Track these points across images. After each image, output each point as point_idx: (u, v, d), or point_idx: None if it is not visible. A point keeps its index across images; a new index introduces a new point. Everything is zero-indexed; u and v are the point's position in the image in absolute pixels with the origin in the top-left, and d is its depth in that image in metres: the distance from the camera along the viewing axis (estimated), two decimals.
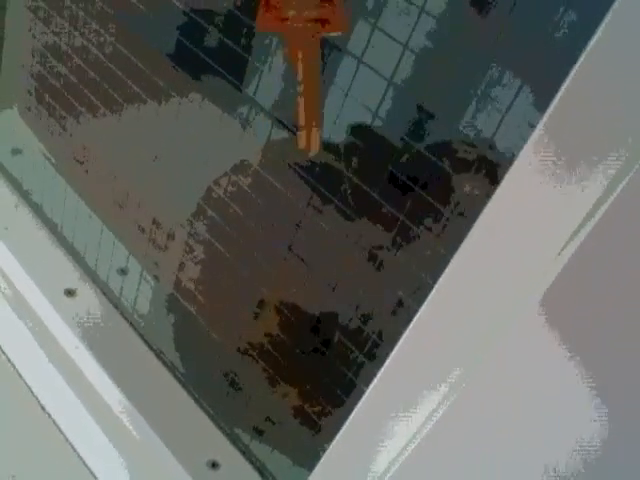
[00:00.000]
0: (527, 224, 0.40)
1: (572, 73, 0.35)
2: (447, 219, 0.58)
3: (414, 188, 0.58)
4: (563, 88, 0.36)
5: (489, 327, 0.44)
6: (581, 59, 0.35)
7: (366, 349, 0.69)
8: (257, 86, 0.74)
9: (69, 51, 0.99)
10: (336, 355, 0.71)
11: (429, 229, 0.59)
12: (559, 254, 0.39)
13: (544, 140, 0.37)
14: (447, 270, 0.46)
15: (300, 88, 0.58)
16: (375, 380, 0.55)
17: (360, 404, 0.56)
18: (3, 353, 0.96)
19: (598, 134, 0.36)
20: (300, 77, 0.57)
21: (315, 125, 0.59)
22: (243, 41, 0.74)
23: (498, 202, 0.41)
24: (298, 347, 0.76)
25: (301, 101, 0.58)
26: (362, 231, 0.66)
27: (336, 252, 0.70)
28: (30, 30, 1.07)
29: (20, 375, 0.95)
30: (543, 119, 0.37)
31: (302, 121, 0.59)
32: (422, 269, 0.60)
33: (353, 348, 0.69)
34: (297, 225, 0.73)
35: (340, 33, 0.55)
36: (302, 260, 0.74)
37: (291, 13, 0.54)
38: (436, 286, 0.47)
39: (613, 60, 0.34)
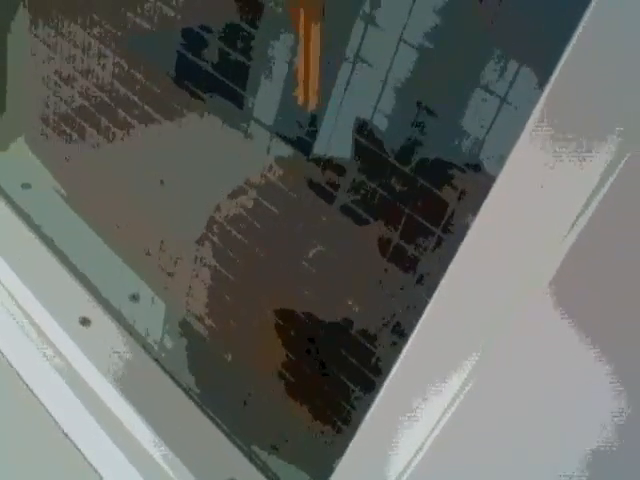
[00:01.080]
0: (532, 207, 0.40)
1: (569, 48, 0.36)
2: (443, 234, 0.60)
3: (409, 203, 0.60)
4: (560, 65, 0.36)
5: (498, 319, 0.45)
6: (580, 27, 0.35)
7: (376, 364, 0.70)
8: (259, 105, 0.76)
9: (73, 80, 1.01)
10: (348, 371, 0.73)
11: (424, 247, 0.61)
12: (566, 235, 0.39)
13: (543, 121, 0.38)
14: (452, 263, 0.46)
15: (301, 44, 0.58)
16: (384, 386, 0.56)
17: (370, 412, 0.58)
18: (26, 386, 0.99)
19: (597, 114, 0.36)
20: (301, 35, 0.57)
21: (313, 80, 0.60)
22: (243, 58, 0.75)
23: (501, 188, 0.42)
24: (309, 364, 0.78)
25: (301, 57, 0.59)
26: (366, 245, 0.68)
27: (343, 268, 0.72)
28: (33, 59, 1.09)
29: (43, 405, 0.97)
30: (540, 101, 0.37)
31: (300, 76, 0.60)
32: (423, 286, 0.62)
33: (365, 364, 0.71)
34: (304, 243, 0.75)
35: None
36: (310, 277, 0.75)
37: None
38: (443, 279, 0.47)
39: (615, 29, 0.34)
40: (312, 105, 0.60)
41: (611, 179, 0.36)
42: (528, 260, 0.42)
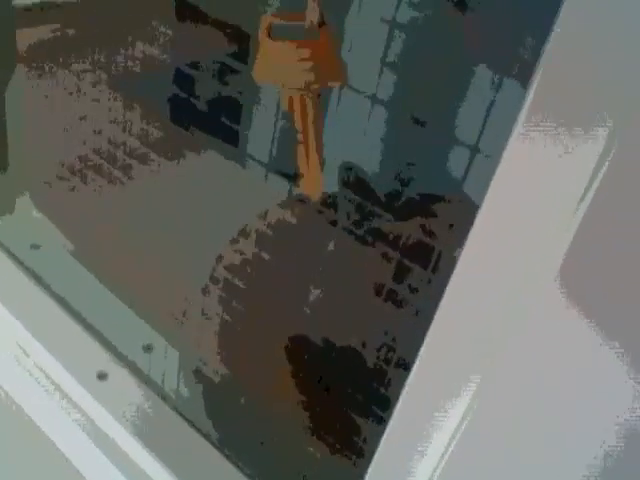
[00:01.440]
0: (534, 192, 0.40)
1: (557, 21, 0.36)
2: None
3: (399, 247, 0.63)
4: (551, 39, 0.36)
5: (511, 314, 0.45)
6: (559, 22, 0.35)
7: (383, 398, 0.72)
8: (253, 143, 0.78)
9: (73, 133, 1.04)
10: (358, 406, 0.75)
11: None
12: (573, 216, 0.39)
13: (538, 104, 0.38)
14: (462, 256, 0.46)
15: (299, 137, 0.58)
16: (391, 420, 0.58)
17: (380, 446, 0.59)
18: (51, 442, 1.01)
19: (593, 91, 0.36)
20: (298, 126, 0.57)
21: (316, 171, 0.60)
22: (234, 100, 0.78)
23: (501, 178, 0.41)
24: (321, 402, 0.80)
25: (300, 149, 0.59)
26: (365, 281, 0.70)
27: (345, 306, 0.74)
28: (33, 114, 1.11)
29: (68, 459, 0.99)
30: (533, 84, 0.38)
31: (303, 168, 0.60)
32: (419, 317, 0.65)
33: (373, 399, 0.73)
34: (305, 281, 0.77)
35: (337, 85, 0.56)
36: (315, 317, 0.78)
37: (286, 64, 0.54)
38: (452, 276, 0.47)
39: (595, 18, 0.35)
40: (316, 196, 0.61)
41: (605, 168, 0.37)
42: (530, 259, 0.42)
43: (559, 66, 0.37)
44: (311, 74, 0.53)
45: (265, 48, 0.54)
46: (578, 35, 0.36)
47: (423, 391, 0.55)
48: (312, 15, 0.50)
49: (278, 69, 0.55)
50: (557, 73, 0.37)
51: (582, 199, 0.38)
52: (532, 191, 0.40)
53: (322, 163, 0.59)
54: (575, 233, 0.39)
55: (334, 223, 0.71)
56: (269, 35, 0.54)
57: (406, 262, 0.62)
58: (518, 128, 0.39)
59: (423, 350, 0.53)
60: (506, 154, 0.41)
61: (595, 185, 0.37)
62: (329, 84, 0.56)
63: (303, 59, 0.52)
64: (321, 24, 0.51)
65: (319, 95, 0.55)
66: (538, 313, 0.43)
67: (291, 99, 0.56)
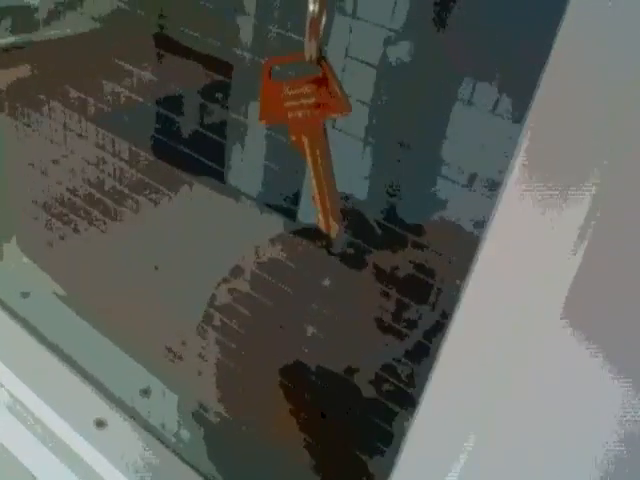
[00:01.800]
0: (531, 239, 0.40)
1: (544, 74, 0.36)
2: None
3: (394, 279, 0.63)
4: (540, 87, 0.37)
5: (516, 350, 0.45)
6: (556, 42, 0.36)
7: (386, 435, 0.72)
8: (241, 178, 0.78)
9: (56, 175, 1.03)
10: (360, 442, 0.75)
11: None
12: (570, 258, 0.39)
13: (530, 154, 0.38)
14: (461, 304, 0.46)
15: (311, 174, 0.57)
16: (397, 460, 0.58)
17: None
18: None
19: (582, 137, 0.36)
20: (310, 163, 0.57)
21: (332, 207, 0.58)
22: (218, 136, 0.78)
23: (497, 226, 0.42)
24: (324, 438, 0.80)
25: (314, 186, 0.58)
26: (367, 311, 0.71)
27: (343, 341, 0.74)
28: (14, 158, 1.10)
29: None
30: (524, 130, 0.38)
31: (318, 205, 0.58)
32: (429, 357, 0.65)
33: (376, 435, 0.73)
34: (304, 317, 0.77)
35: (342, 114, 0.56)
36: (318, 352, 0.78)
37: (290, 104, 0.54)
38: (451, 324, 0.48)
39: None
40: (334, 232, 0.59)
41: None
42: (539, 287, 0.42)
43: (554, 103, 0.37)
44: (316, 109, 0.54)
45: (268, 90, 0.55)
46: (570, 81, 0.36)
47: (430, 430, 0.55)
48: (310, 51, 0.51)
49: (283, 109, 0.55)
50: (552, 115, 0.37)
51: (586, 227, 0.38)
52: (535, 228, 0.40)
53: (336, 195, 0.58)
54: (579, 267, 0.39)
55: (330, 256, 0.72)
56: (270, 77, 0.55)
57: (403, 295, 0.62)
58: (517, 163, 0.39)
59: (428, 388, 0.53)
60: (505, 193, 0.41)
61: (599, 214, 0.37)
62: (334, 115, 0.56)
63: (306, 95, 0.53)
64: (320, 59, 0.51)
65: (325, 129, 0.55)
66: (544, 352, 0.43)
67: (299, 136, 0.56)
